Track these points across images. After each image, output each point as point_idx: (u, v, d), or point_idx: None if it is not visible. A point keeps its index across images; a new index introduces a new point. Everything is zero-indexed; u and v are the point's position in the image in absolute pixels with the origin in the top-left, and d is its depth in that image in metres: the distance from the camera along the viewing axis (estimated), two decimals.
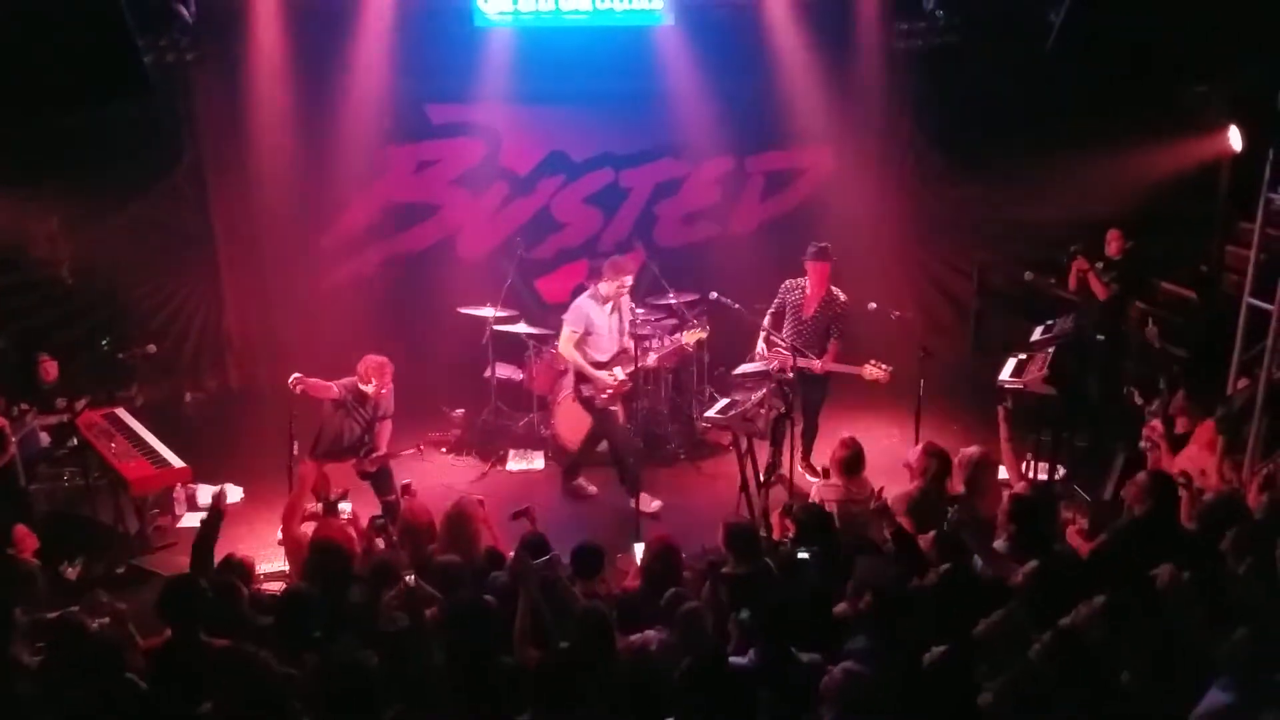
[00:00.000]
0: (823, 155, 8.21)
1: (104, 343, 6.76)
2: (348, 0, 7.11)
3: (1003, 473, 5.28)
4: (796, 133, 8.03)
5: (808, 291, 6.25)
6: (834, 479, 4.95)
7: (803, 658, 3.42)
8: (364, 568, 4.30)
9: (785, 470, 6.12)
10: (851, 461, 4.92)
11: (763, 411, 5.69)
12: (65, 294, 7.32)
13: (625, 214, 8.24)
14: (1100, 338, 6.68)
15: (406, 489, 5.20)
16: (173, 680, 3.45)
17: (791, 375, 5.86)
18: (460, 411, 7.36)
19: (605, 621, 3.58)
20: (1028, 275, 7.06)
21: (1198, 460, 5.07)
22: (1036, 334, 6.57)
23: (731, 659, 3.47)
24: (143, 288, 7.61)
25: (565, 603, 3.85)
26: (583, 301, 6.14)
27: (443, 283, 7.77)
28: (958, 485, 4.78)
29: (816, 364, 6.07)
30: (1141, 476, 4.43)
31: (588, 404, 6.14)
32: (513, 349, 7.31)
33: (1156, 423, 5.35)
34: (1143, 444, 5.57)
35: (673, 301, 7.09)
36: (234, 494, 6.34)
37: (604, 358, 6.12)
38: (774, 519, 4.96)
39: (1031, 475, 6.05)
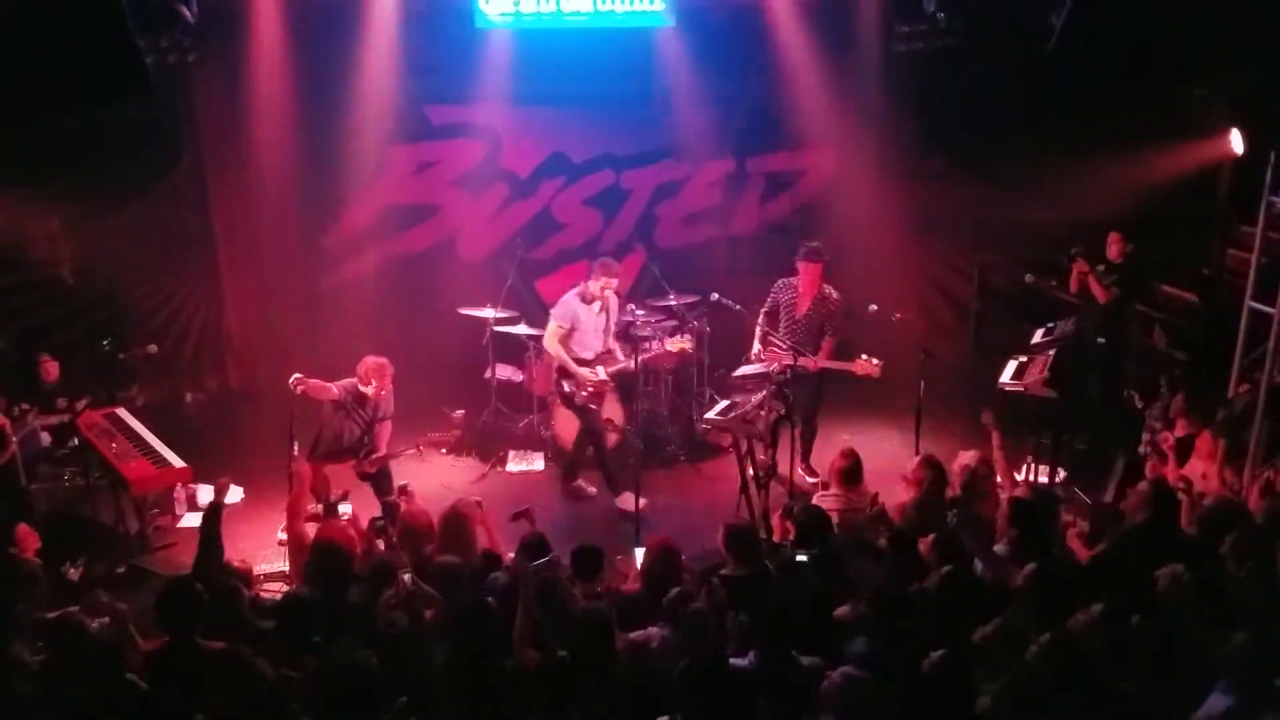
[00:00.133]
0: (823, 157, 8.20)
1: (105, 343, 6.77)
2: (349, 1, 7.11)
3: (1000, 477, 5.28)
4: (797, 134, 8.02)
5: (800, 290, 6.26)
6: (834, 489, 4.95)
7: (803, 661, 3.42)
8: (364, 568, 4.30)
9: (784, 472, 6.10)
10: (851, 472, 4.92)
11: (762, 414, 5.69)
12: (66, 294, 7.32)
13: (626, 215, 8.24)
14: (1101, 340, 6.67)
15: (403, 490, 5.20)
16: (171, 681, 3.45)
17: (789, 376, 5.86)
18: (460, 412, 7.36)
19: (605, 622, 3.58)
20: (1028, 277, 7.06)
21: (1197, 465, 5.08)
22: (1037, 336, 6.57)
23: (731, 661, 3.47)
24: (143, 288, 7.61)
25: (565, 604, 3.86)
26: (570, 298, 6.19)
27: (443, 283, 7.76)
28: (955, 490, 4.78)
29: (809, 361, 6.08)
30: (1142, 486, 4.43)
31: (568, 400, 6.16)
32: (513, 350, 7.32)
33: (1168, 433, 5.34)
34: (1143, 449, 5.57)
35: (673, 303, 7.09)
36: (234, 494, 6.35)
37: (588, 355, 6.17)
38: (774, 521, 4.96)
39: (1032, 478, 6.06)
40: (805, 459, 6.49)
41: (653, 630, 3.67)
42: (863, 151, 7.98)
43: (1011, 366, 6.23)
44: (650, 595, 4.01)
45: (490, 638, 3.50)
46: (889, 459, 6.32)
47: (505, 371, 7.29)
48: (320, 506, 5.61)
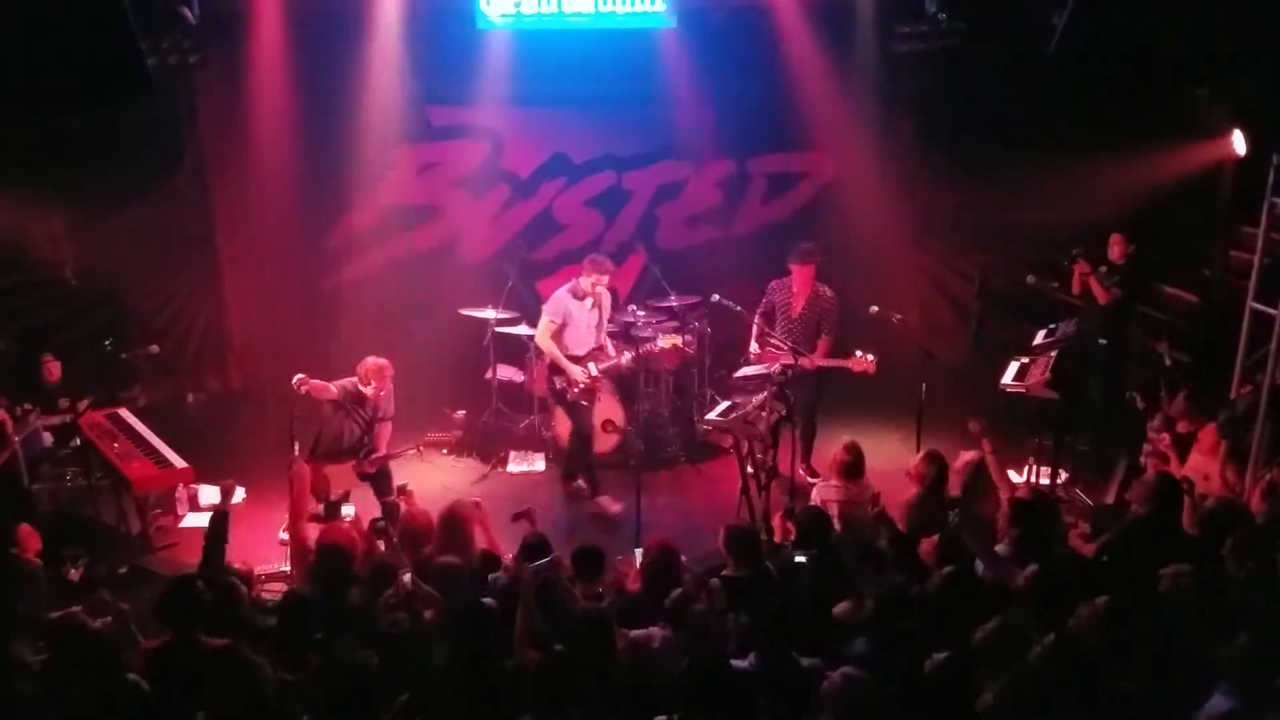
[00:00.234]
0: (824, 158, 8.20)
1: (107, 343, 6.78)
2: (350, 2, 7.12)
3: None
4: (798, 135, 8.02)
5: (794, 291, 6.28)
6: (834, 481, 4.95)
7: (803, 662, 3.42)
8: (365, 569, 4.31)
9: (784, 473, 6.10)
10: (852, 465, 4.93)
11: (764, 415, 5.69)
12: (68, 294, 7.33)
13: (627, 216, 8.25)
14: (1102, 342, 6.67)
15: (403, 490, 5.21)
16: (172, 681, 3.45)
17: (789, 376, 5.87)
18: (461, 413, 7.37)
19: (605, 622, 3.58)
20: (1030, 279, 7.06)
21: (1200, 465, 5.07)
22: (1039, 338, 6.57)
23: (732, 662, 3.47)
24: (145, 288, 7.62)
25: (565, 604, 3.86)
26: (562, 294, 6.20)
27: (444, 284, 7.77)
28: (955, 489, 4.79)
29: (806, 359, 6.09)
30: (1149, 476, 4.43)
31: (559, 396, 6.17)
32: (514, 351, 7.32)
33: (1166, 436, 5.34)
34: (1143, 458, 5.57)
35: (674, 304, 7.09)
36: (235, 494, 6.37)
37: (579, 351, 6.18)
38: (775, 522, 4.96)
39: (1033, 479, 6.06)
40: (806, 459, 6.50)
41: (654, 630, 3.67)
42: (864, 152, 7.98)
43: (1013, 368, 6.23)
44: (650, 595, 4.01)
45: (490, 638, 3.50)
46: (890, 460, 6.31)
47: (506, 372, 7.29)
48: (321, 506, 5.61)
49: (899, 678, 3.29)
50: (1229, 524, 4.04)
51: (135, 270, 7.47)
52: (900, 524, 4.59)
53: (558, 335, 6.14)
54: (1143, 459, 5.57)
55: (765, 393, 5.77)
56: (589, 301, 6.17)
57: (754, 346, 6.40)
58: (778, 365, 5.99)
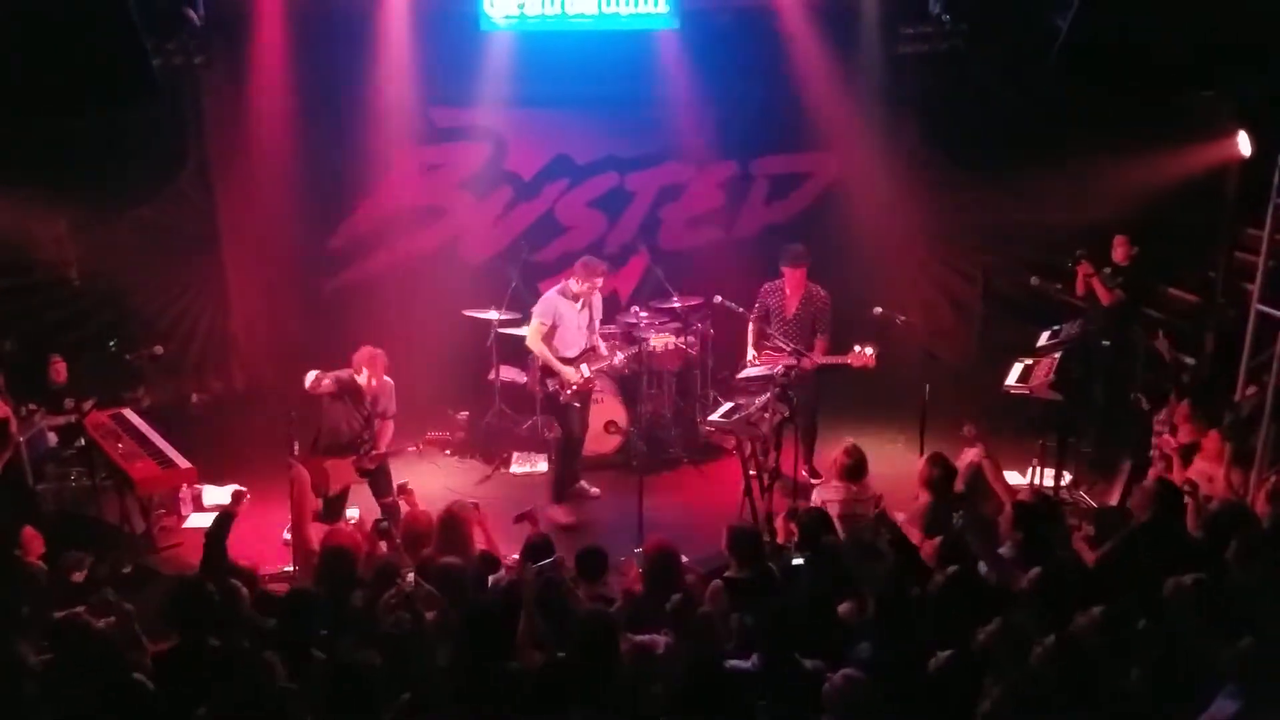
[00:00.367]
0: (827, 159, 8.19)
1: (111, 344, 6.80)
2: (354, 4, 7.14)
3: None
4: (801, 137, 8.02)
5: (787, 293, 6.29)
6: (835, 483, 4.95)
7: (806, 664, 3.42)
8: (367, 571, 4.32)
9: (787, 474, 6.09)
10: (854, 468, 4.93)
11: (766, 416, 5.69)
12: (72, 295, 7.35)
13: (629, 217, 8.25)
14: (1106, 343, 6.66)
15: (403, 489, 5.20)
16: (180, 683, 3.46)
17: (792, 377, 5.87)
18: (464, 414, 7.38)
19: (608, 624, 3.59)
20: (1034, 280, 7.05)
21: (1205, 468, 5.06)
22: (1043, 339, 6.56)
23: (734, 662, 3.47)
24: (149, 290, 7.64)
25: (568, 605, 3.86)
26: (552, 295, 6.17)
27: (447, 286, 7.77)
28: (959, 489, 4.79)
29: (807, 359, 6.09)
30: (1148, 483, 4.42)
31: (551, 399, 6.14)
32: (517, 352, 7.32)
33: (1169, 438, 5.33)
34: (1152, 453, 5.56)
35: (676, 305, 7.09)
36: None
37: (571, 353, 6.14)
38: (778, 523, 4.96)
39: (1037, 481, 6.05)
40: (808, 460, 6.50)
41: (657, 638, 3.68)
42: (867, 154, 7.97)
43: (1017, 369, 6.22)
44: (652, 598, 4.01)
45: (492, 640, 3.50)
46: (894, 462, 6.32)
47: (509, 373, 7.30)
48: (321, 502, 5.61)
49: (900, 679, 3.28)
50: (1233, 526, 4.03)
51: (139, 271, 7.50)
52: (917, 532, 4.58)
53: (548, 337, 6.10)
54: (1151, 453, 5.55)
55: (768, 394, 5.76)
56: (580, 303, 6.13)
57: (751, 354, 6.39)
58: (780, 366, 5.99)
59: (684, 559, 4.38)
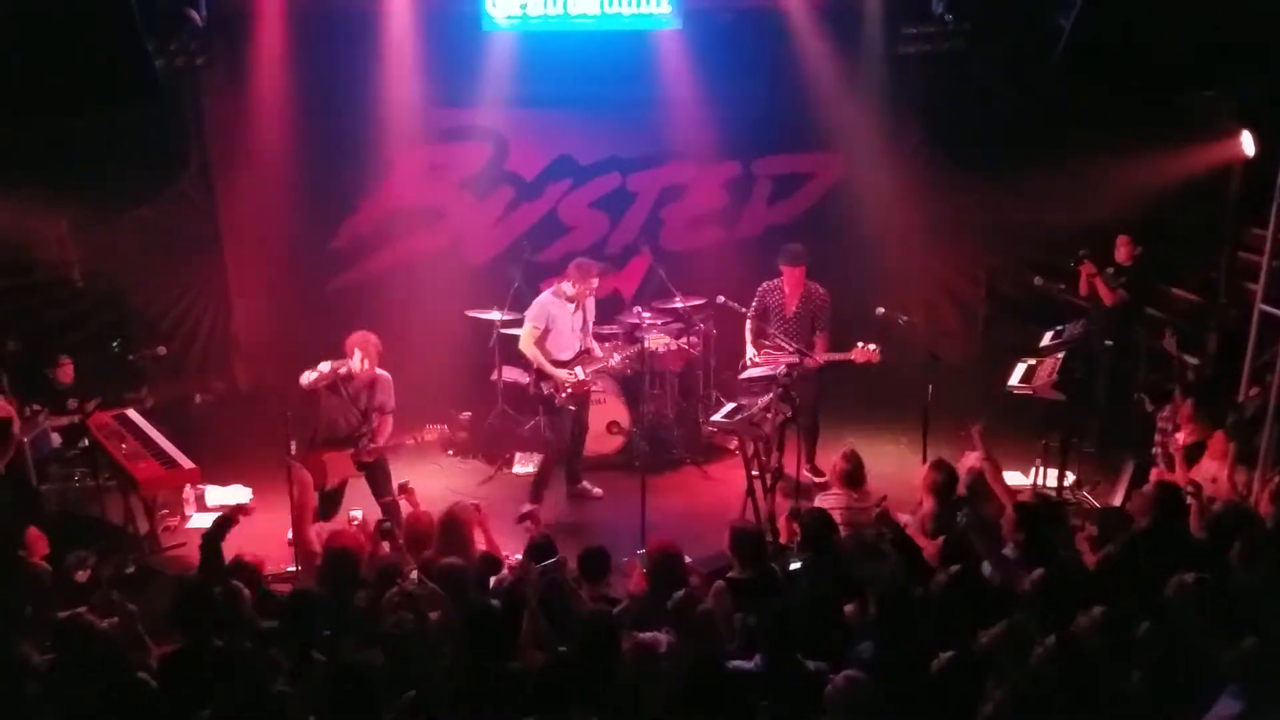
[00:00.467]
0: (830, 159, 8.19)
1: (114, 345, 6.81)
2: (356, 5, 7.14)
3: (1008, 479, 5.26)
4: (803, 137, 8.02)
5: (786, 292, 6.30)
6: (835, 489, 4.96)
7: (809, 665, 3.42)
8: (370, 571, 4.32)
9: (790, 474, 6.10)
10: (852, 474, 4.94)
11: (769, 416, 5.69)
12: (75, 296, 7.37)
13: (632, 218, 8.25)
14: (1109, 343, 6.66)
15: (404, 489, 5.20)
16: (183, 685, 3.46)
17: (794, 377, 5.86)
18: (467, 414, 7.38)
19: (610, 624, 3.59)
20: (1037, 280, 7.05)
21: (1208, 469, 5.06)
22: (1046, 339, 6.55)
23: (737, 663, 3.48)
24: (151, 290, 7.65)
25: (571, 605, 3.86)
26: (545, 298, 6.14)
27: (450, 286, 7.78)
28: (961, 490, 4.79)
29: (811, 358, 6.09)
30: (1147, 488, 4.42)
31: (547, 402, 6.12)
32: (519, 352, 7.31)
33: (1179, 436, 5.32)
34: (1155, 452, 5.55)
35: (679, 305, 7.09)
36: (243, 495, 6.40)
37: (565, 356, 6.12)
38: (780, 523, 4.96)
39: (1041, 481, 6.05)
40: (810, 459, 6.50)
41: (660, 636, 3.68)
42: (870, 154, 7.97)
43: (1020, 369, 6.22)
44: (655, 598, 4.01)
45: (492, 641, 3.51)
46: (896, 464, 6.32)
47: (512, 374, 7.30)
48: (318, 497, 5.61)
49: (902, 679, 3.28)
50: (1237, 527, 4.03)
51: (141, 272, 7.51)
52: (924, 538, 4.58)
53: (541, 341, 6.07)
54: (1154, 451, 5.55)
55: (770, 394, 5.76)
56: (573, 305, 6.10)
57: (751, 351, 6.38)
58: (782, 366, 5.99)
59: (687, 559, 4.38)
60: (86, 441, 6.03)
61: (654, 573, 4.17)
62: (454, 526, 4.57)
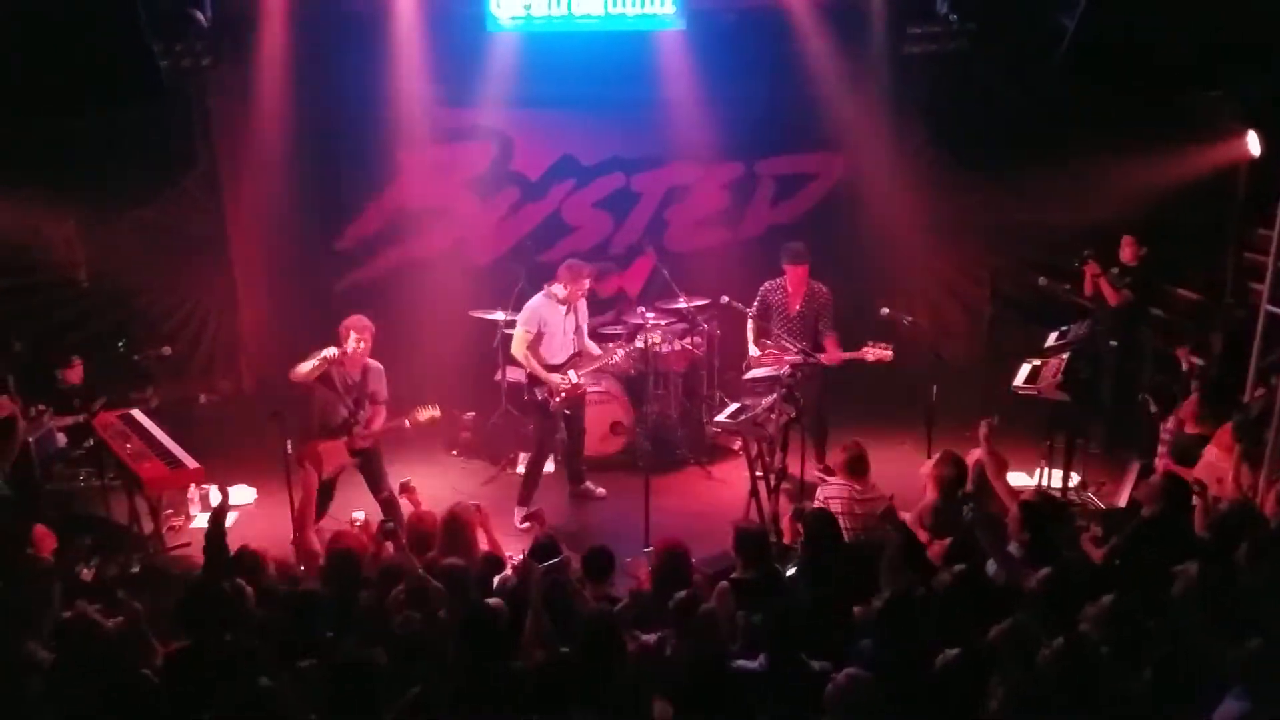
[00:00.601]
0: (833, 160, 8.18)
1: (120, 345, 6.83)
2: (361, 5, 7.16)
3: (1013, 479, 5.25)
4: (807, 137, 8.01)
5: (789, 291, 6.29)
6: (839, 479, 4.95)
7: (813, 665, 3.42)
8: (374, 571, 4.33)
9: (794, 474, 6.10)
10: (855, 463, 4.93)
11: (773, 417, 5.69)
12: (81, 296, 7.41)
13: (636, 218, 8.25)
14: (1113, 344, 6.64)
15: (406, 488, 5.22)
16: (188, 684, 3.47)
17: (798, 377, 5.86)
18: (471, 415, 7.39)
19: (611, 624, 3.59)
20: (1041, 280, 7.03)
21: (1215, 468, 5.04)
22: (1050, 340, 6.54)
23: (741, 662, 3.48)
24: (157, 290, 7.68)
25: (574, 605, 3.87)
26: (536, 302, 6.08)
27: (454, 286, 7.79)
28: (968, 487, 4.78)
29: (822, 357, 6.07)
30: (1155, 477, 4.41)
31: (541, 408, 6.07)
32: None
33: (1170, 422, 5.32)
34: (1157, 460, 5.54)
35: (683, 306, 7.09)
36: (246, 495, 6.42)
37: (558, 360, 6.07)
38: (784, 524, 4.96)
39: (1045, 481, 6.03)
40: (821, 458, 6.49)
41: (664, 635, 3.68)
42: (874, 154, 7.96)
43: (1025, 370, 6.21)
44: (661, 598, 4.02)
45: (493, 640, 3.51)
46: (901, 465, 6.31)
47: (515, 374, 7.29)
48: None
49: (904, 678, 3.28)
50: (1242, 527, 4.02)
51: (147, 272, 7.54)
52: (921, 530, 4.58)
53: (534, 345, 6.04)
54: (1156, 461, 5.54)
55: (774, 395, 5.76)
56: (565, 308, 6.06)
57: (754, 350, 6.38)
58: (786, 366, 5.99)
59: (691, 559, 4.38)
60: (91, 441, 6.06)
61: (660, 571, 4.18)
62: (457, 527, 4.58)
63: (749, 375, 6.36)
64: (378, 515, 5.58)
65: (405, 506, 5.26)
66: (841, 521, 4.57)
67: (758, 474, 5.69)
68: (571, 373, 6.07)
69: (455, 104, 7.83)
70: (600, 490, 6.53)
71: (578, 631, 3.58)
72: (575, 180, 8.16)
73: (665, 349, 7.06)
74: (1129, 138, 6.70)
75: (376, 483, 5.68)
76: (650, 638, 3.67)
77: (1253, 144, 6.26)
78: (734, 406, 6.00)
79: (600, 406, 6.78)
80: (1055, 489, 5.94)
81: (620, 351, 6.42)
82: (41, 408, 6.23)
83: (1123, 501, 5.72)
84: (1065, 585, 3.57)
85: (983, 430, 4.95)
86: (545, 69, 7.35)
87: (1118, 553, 4.15)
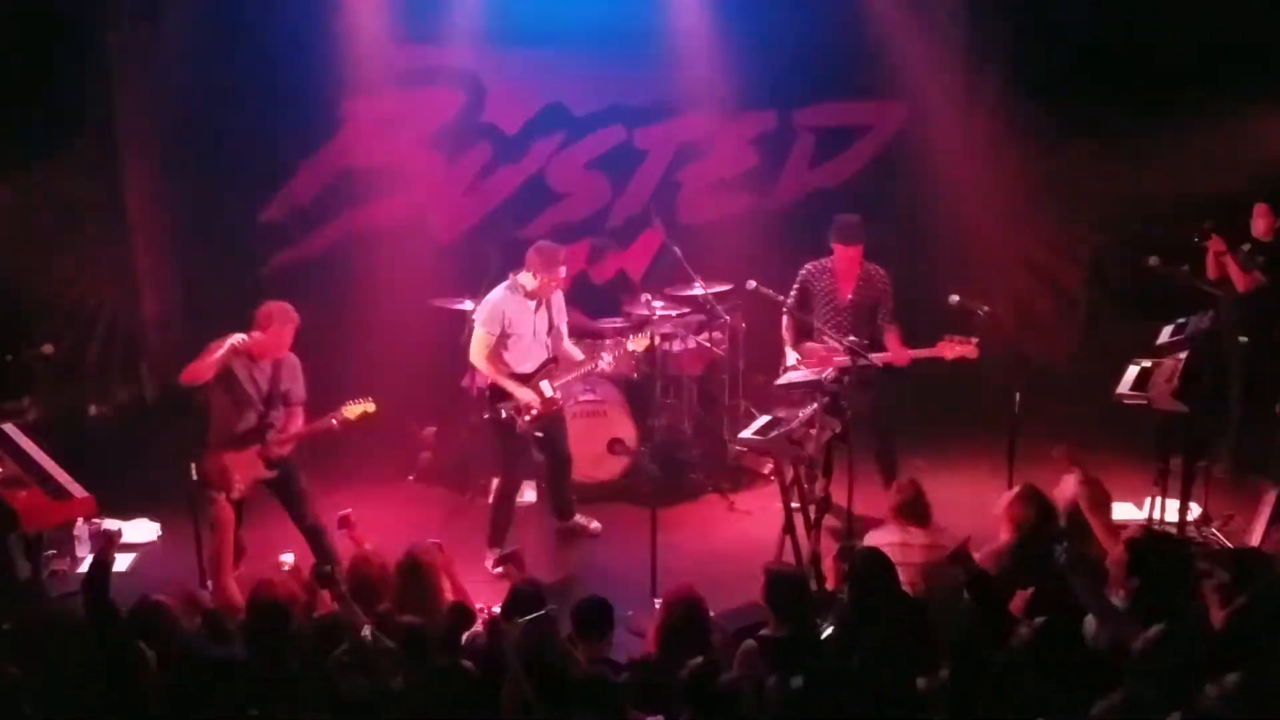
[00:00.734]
0: (889, 109, 8.22)
1: None
2: None
3: (1117, 512, 5.24)
4: (857, 80, 8.05)
5: (838, 274, 6.29)
6: (891, 525, 4.96)
7: None
8: (308, 627, 4.33)
9: (840, 504, 6.09)
10: (909, 507, 4.94)
11: (812, 432, 5.69)
12: None
13: (640, 182, 8.29)
14: (1243, 340, 6.63)
15: (343, 521, 5.22)
16: None
17: (847, 382, 5.86)
18: (431, 429, 7.40)
19: (611, 693, 3.58)
20: (1152, 261, 7.01)
21: None
22: (1164, 335, 6.53)
23: None
24: (37, 273, 7.69)
25: (563, 669, 3.87)
26: (499, 296, 6.02)
27: (411, 268, 7.82)
28: (1060, 522, 4.78)
29: (886, 356, 6.06)
30: None
31: (505, 427, 6.02)
32: None
33: None
34: None
35: (700, 292, 7.10)
36: (148, 530, 6.43)
37: (527, 368, 6.03)
38: (826, 565, 4.95)
39: (1157, 515, 6.03)
40: (888, 487, 6.46)
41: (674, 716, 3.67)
42: (942, 102, 8.00)
43: (1132, 373, 6.20)
44: (668, 661, 4.01)
45: (466, 711, 3.51)
46: (975, 491, 6.30)
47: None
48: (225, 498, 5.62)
49: None
50: None
51: (23, 251, 7.55)
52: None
53: (497, 350, 6.02)
54: None
55: (814, 405, 5.77)
56: (534, 303, 6.03)
57: (792, 355, 6.34)
58: (831, 370, 5.98)
59: (709, 613, 4.38)
60: None
61: (668, 629, 4.17)
62: (418, 572, 4.59)
63: (782, 380, 6.36)
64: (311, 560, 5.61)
65: (344, 545, 5.27)
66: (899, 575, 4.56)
67: (793, 505, 5.68)
68: (545, 384, 6.04)
69: (413, 39, 7.86)
70: (594, 525, 6.54)
71: (567, 701, 3.57)
72: (564, 134, 8.20)
73: (676, 347, 7.06)
74: (1264, 82, 6.69)
75: (298, 506, 5.70)
76: None
77: None
78: (763, 420, 5.99)
79: (594, 419, 6.79)
80: (1170, 523, 5.93)
81: (607, 356, 6.38)
82: None
83: (1256, 539, 5.71)
84: (1183, 646, 3.56)
85: (1062, 454, 4.94)
86: None
87: (1247, 614, 4.11)
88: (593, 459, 6.76)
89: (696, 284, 7.10)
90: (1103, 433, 6.47)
